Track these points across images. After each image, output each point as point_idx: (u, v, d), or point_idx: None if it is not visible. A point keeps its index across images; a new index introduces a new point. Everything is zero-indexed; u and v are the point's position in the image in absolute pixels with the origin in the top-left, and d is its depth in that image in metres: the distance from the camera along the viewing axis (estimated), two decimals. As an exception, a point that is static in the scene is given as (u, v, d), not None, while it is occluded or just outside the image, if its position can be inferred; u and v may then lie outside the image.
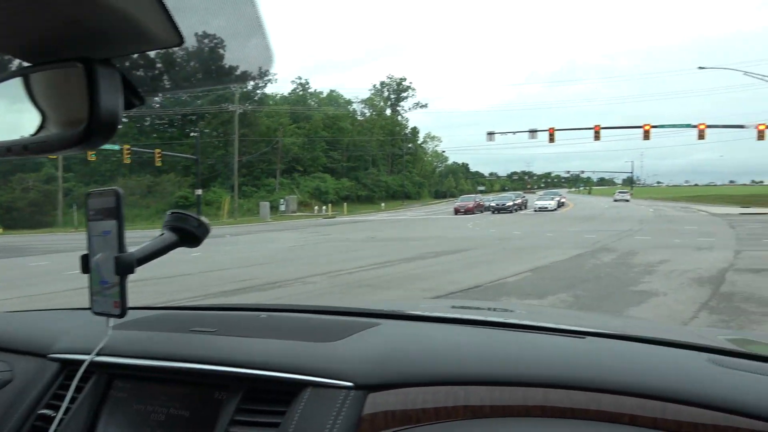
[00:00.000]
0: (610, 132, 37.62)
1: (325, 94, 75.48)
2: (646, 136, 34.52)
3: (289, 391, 1.00)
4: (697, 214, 33.58)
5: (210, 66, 0.63)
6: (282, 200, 50.57)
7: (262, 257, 15.23)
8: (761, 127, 32.81)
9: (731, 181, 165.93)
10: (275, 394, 1.02)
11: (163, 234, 1.06)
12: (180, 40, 0.55)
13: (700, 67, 42.61)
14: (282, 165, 58.63)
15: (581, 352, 1.05)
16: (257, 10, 0.54)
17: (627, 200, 66.44)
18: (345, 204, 55.01)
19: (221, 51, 0.60)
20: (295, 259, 14.49)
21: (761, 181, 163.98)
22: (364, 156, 71.44)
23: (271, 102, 64.65)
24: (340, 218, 42.11)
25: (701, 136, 33.71)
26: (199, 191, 39.04)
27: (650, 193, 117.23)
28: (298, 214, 48.82)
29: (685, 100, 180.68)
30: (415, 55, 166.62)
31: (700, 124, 33.53)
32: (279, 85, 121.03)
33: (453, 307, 2.37)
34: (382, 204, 62.97)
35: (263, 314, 1.41)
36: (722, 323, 6.30)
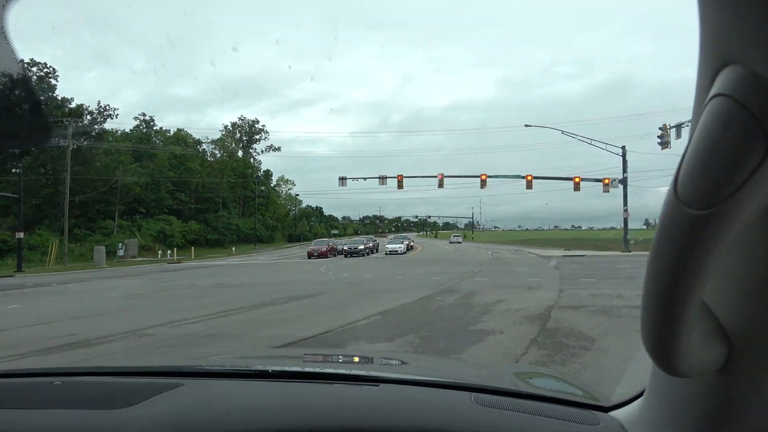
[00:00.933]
0: (453, 180, 40.67)
1: (172, 133, 72.15)
2: (483, 184, 37.74)
3: None
4: (528, 256, 36.92)
5: None
6: (121, 244, 46.64)
7: (95, 308, 13.82)
8: (577, 180, 37.51)
9: (556, 226, 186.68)
10: None
11: None
12: None
13: (526, 125, 47.72)
14: (122, 206, 54.43)
15: (370, 401, 1.14)
16: (31, 86, 0.52)
17: (459, 242, 79.44)
18: (192, 248, 52.35)
19: None
20: (133, 309, 13.36)
21: (579, 226, 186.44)
22: (215, 198, 68.93)
23: (110, 138, 60.12)
24: (186, 263, 39.85)
25: (529, 186, 37.64)
26: (21, 234, 34.65)
27: (489, 237, 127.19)
28: (139, 259, 45.33)
29: (517, 153, 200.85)
30: (268, 98, 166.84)
31: (528, 175, 37.50)
32: (120, 121, 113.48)
33: (304, 356, 2.37)
34: (233, 248, 60.87)
35: (57, 381, 1.31)
36: (548, 357, 6.92)
